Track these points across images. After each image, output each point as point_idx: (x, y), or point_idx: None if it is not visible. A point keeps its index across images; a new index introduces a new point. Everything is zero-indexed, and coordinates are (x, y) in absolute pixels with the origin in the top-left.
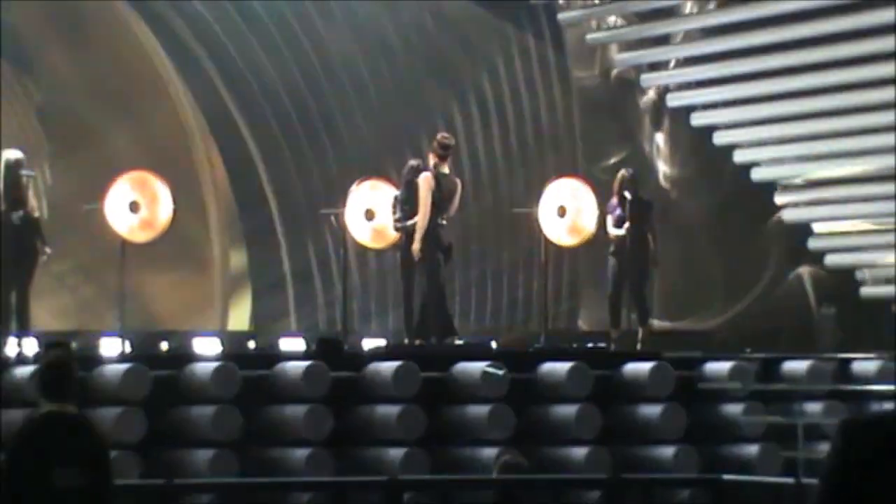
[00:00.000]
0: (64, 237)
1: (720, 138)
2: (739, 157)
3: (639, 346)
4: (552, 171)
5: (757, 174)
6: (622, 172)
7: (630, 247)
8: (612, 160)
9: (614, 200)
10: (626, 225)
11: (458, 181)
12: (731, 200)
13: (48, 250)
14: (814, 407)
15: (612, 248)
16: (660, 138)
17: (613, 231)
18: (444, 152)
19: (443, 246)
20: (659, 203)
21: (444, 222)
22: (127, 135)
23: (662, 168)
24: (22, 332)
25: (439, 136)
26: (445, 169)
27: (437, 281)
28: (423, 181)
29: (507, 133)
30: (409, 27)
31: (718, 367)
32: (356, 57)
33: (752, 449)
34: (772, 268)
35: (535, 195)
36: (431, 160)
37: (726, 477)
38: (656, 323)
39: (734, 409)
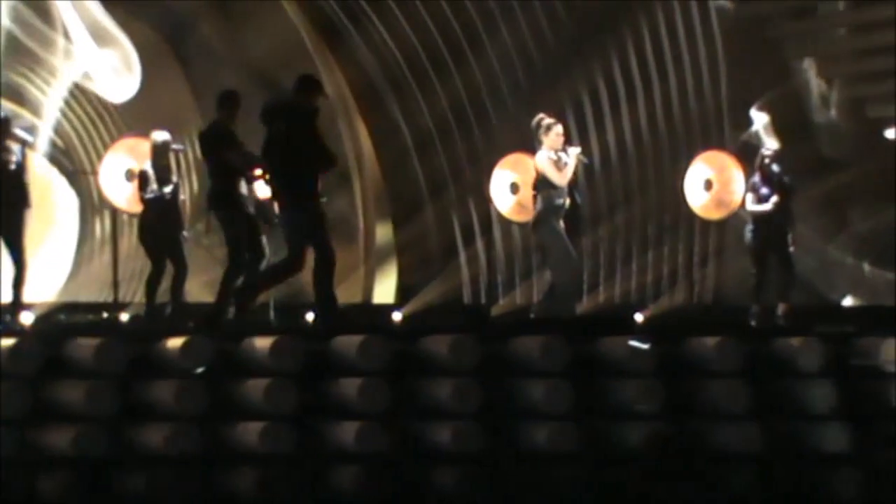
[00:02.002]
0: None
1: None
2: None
3: (781, 322)
4: (699, 144)
5: None
6: (764, 150)
7: (776, 223)
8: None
9: (757, 177)
10: (775, 199)
11: (541, 158)
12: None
13: (186, 234)
14: None
15: (751, 227)
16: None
17: (754, 207)
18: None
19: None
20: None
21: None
22: None
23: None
24: (175, 305)
25: None
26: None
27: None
28: None
29: (653, 105)
30: (556, 4)
31: (872, 343)
32: (502, 30)
33: None
34: None
35: (681, 169)
36: None
37: (879, 454)
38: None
39: (888, 385)
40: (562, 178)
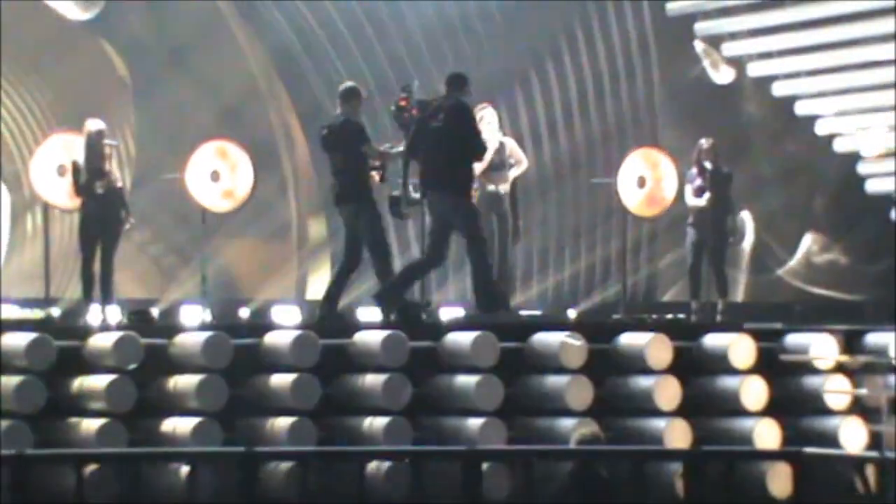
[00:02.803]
0: (146, 206)
1: (802, 108)
2: (821, 128)
3: (718, 318)
4: (632, 140)
5: (839, 145)
6: (702, 142)
7: (710, 218)
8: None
9: (694, 170)
10: (707, 195)
11: None
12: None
13: (132, 220)
14: None
15: (691, 219)
16: (742, 109)
17: (692, 201)
18: None
19: None
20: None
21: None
22: (208, 104)
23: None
24: (106, 300)
25: None
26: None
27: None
28: None
29: (586, 101)
30: None
31: (801, 339)
32: (434, 25)
33: (835, 422)
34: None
35: (614, 165)
36: None
37: (808, 450)
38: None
39: (817, 381)
40: (480, 164)
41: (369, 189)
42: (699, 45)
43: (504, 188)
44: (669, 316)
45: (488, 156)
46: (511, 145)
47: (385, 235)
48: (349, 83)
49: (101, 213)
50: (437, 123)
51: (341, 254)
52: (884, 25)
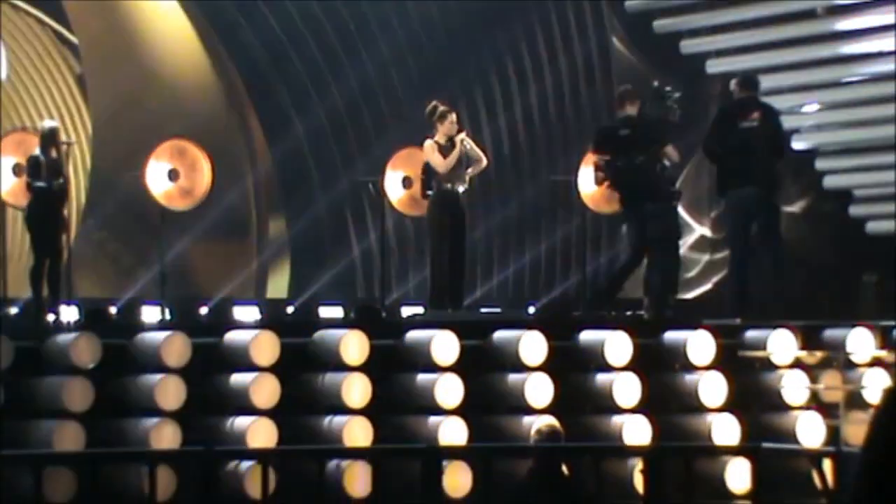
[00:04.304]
0: (104, 205)
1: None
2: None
3: (668, 313)
4: (589, 138)
5: (798, 142)
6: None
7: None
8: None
9: None
10: None
11: (428, 144)
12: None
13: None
14: (856, 375)
15: None
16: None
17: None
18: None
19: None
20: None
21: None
22: (166, 102)
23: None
24: (63, 300)
25: None
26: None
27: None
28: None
29: (546, 100)
30: None
31: (760, 335)
32: (394, 24)
33: (794, 418)
34: (811, 234)
35: (573, 162)
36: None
37: (767, 445)
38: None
39: (775, 377)
40: (444, 165)
41: (674, 186)
42: None
43: (461, 187)
44: (629, 313)
45: (451, 159)
46: (470, 143)
47: (673, 239)
48: (628, 86)
49: (52, 213)
50: (751, 123)
51: (303, 253)
52: (843, 22)
